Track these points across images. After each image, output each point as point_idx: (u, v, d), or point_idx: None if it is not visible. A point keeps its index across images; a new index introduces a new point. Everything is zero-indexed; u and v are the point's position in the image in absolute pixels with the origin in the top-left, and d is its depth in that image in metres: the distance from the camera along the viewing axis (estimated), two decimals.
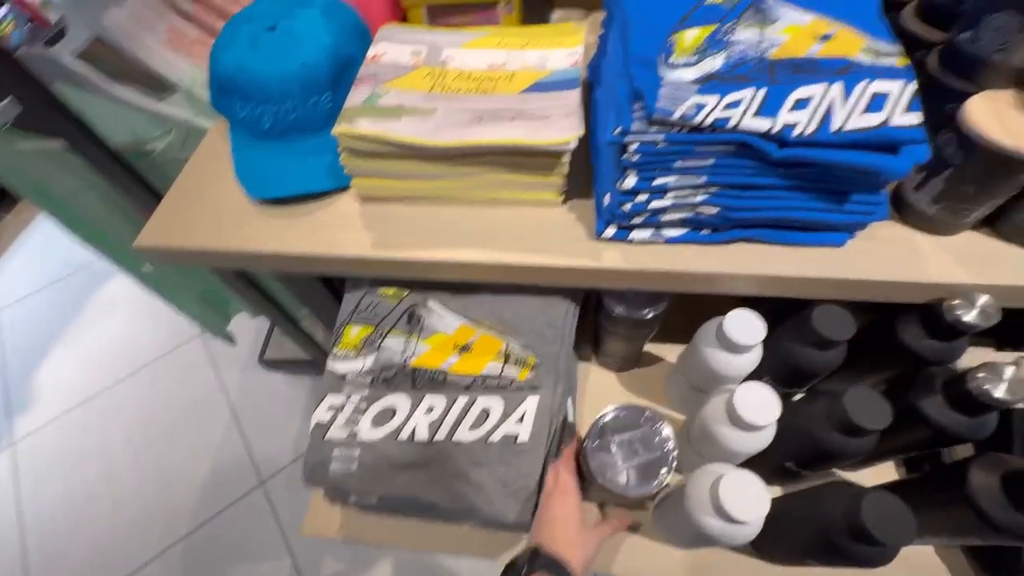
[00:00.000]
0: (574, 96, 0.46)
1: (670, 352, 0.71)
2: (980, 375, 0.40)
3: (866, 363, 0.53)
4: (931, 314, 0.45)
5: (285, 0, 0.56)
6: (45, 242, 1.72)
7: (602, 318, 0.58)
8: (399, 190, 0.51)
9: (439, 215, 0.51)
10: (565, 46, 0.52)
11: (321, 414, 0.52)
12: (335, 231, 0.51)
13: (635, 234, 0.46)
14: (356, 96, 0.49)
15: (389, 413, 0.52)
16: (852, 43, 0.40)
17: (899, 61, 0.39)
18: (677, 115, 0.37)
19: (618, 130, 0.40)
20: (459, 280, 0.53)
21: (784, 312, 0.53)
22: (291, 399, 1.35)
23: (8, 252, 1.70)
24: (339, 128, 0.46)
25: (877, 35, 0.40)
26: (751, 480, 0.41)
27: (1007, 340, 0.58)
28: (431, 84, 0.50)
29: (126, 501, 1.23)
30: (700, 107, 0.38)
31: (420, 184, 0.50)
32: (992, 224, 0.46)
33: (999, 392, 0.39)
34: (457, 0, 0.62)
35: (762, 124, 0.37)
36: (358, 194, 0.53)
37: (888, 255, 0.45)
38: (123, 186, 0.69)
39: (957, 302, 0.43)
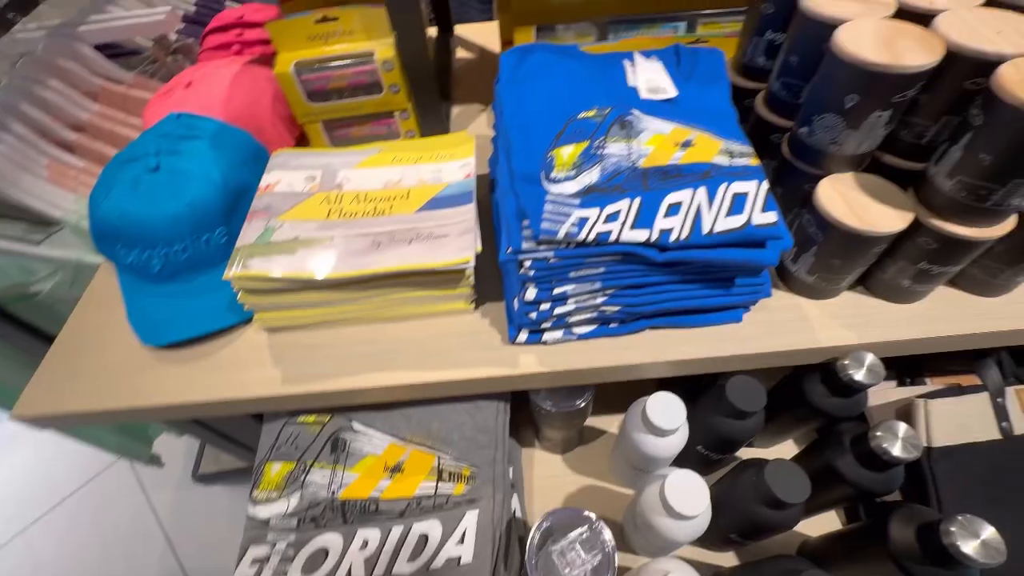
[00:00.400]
0: (469, 211, 0.48)
1: (612, 423, 0.72)
2: (878, 434, 0.43)
3: (786, 420, 0.56)
4: (828, 374, 0.48)
5: (169, 134, 0.54)
6: None
7: (534, 412, 0.58)
8: (305, 318, 0.49)
9: (350, 338, 0.50)
10: (458, 157, 0.53)
11: (244, 572, 0.47)
12: (241, 370, 0.49)
13: (547, 336, 0.47)
14: (249, 232, 0.47)
15: (321, 556, 0.48)
16: (710, 147, 0.43)
17: (751, 161, 0.42)
18: (561, 234, 0.39)
19: (509, 250, 0.41)
20: (381, 401, 0.51)
21: (706, 381, 0.55)
22: (234, 512, 1.23)
23: None
24: (231, 272, 0.44)
25: (731, 137, 0.44)
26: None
27: (905, 371, 0.63)
28: (328, 210, 0.49)
29: None
30: (583, 222, 0.40)
31: (327, 310, 0.49)
32: (865, 283, 0.50)
33: (896, 450, 0.42)
34: (352, 112, 0.63)
35: (640, 235, 0.39)
36: (262, 327, 0.51)
37: (782, 325, 0.48)
38: (3, 334, 0.63)
39: (848, 362, 0.46)
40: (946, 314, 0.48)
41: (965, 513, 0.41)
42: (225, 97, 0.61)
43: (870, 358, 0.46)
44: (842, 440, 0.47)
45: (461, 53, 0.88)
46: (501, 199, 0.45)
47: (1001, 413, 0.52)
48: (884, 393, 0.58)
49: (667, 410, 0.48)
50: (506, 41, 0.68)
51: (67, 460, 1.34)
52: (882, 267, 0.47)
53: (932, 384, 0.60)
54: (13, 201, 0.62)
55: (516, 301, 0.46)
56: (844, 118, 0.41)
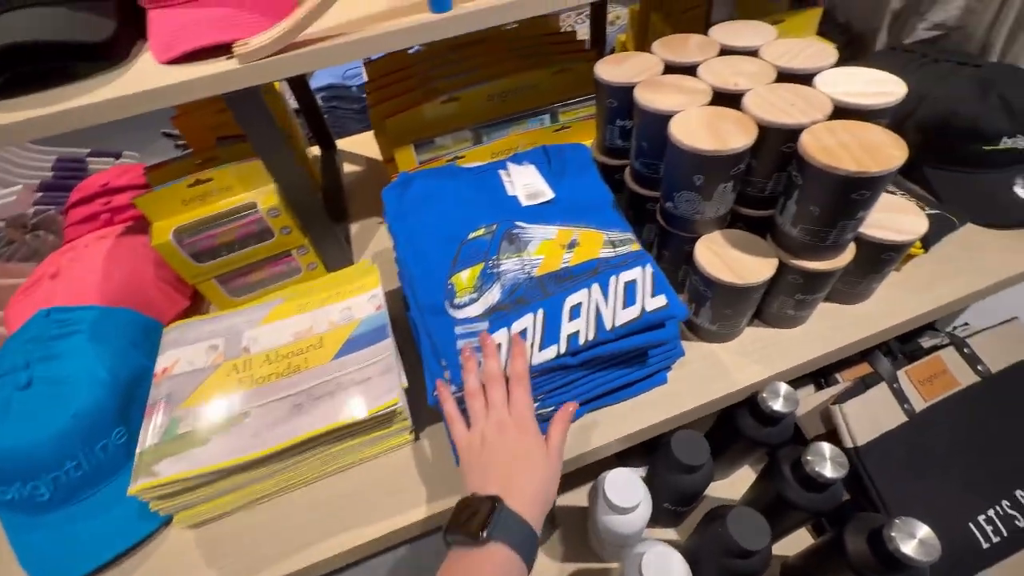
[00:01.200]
0: (387, 347, 0.47)
1: (581, 496, 0.72)
2: (809, 459, 0.47)
3: (732, 454, 0.59)
4: (754, 408, 0.52)
5: (39, 337, 0.50)
6: None
7: None
8: (234, 502, 0.46)
9: (291, 507, 0.47)
10: (366, 289, 0.53)
11: None
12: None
13: None
14: (151, 431, 0.44)
15: None
16: (594, 242, 0.47)
17: (633, 247, 0.47)
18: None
19: (435, 392, 0.41)
20: (345, 564, 0.48)
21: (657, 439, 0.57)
22: None
23: None
24: (137, 486, 0.40)
25: (610, 226, 0.49)
26: None
27: (819, 374, 0.70)
28: (237, 381, 0.47)
29: None
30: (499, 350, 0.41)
31: (258, 487, 0.45)
32: (760, 317, 0.55)
33: (828, 471, 0.46)
34: (246, 261, 0.61)
35: (549, 353, 0.41)
36: (183, 525, 0.46)
37: (702, 374, 0.52)
38: None
39: (766, 395, 0.51)
40: (832, 327, 0.54)
41: (904, 503, 0.45)
42: (100, 277, 0.58)
43: (784, 388, 0.50)
44: (783, 470, 0.50)
45: (349, 167, 0.89)
46: (417, 333, 0.45)
47: (900, 396, 0.58)
48: (806, 400, 0.64)
49: (625, 487, 0.49)
50: (388, 159, 0.70)
51: None
52: (768, 303, 0.52)
53: (844, 380, 0.67)
54: None
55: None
56: (698, 193, 0.46)
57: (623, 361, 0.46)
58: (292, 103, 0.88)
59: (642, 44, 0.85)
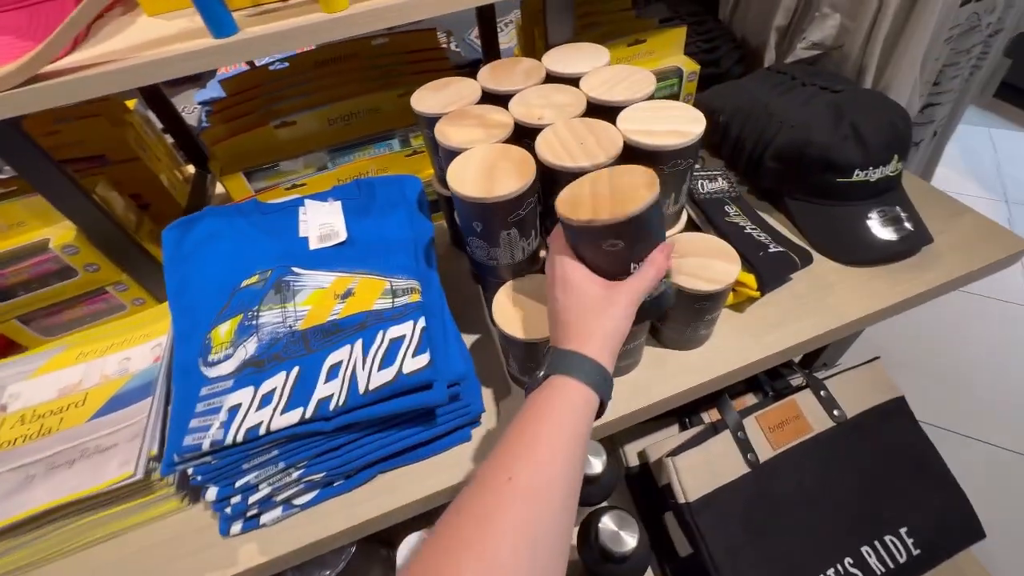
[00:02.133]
0: (143, 409, 0.43)
1: None
2: (601, 531, 0.43)
3: None
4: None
5: None
6: None
7: None
8: None
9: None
10: (152, 336, 0.49)
11: None
12: None
13: (265, 518, 0.43)
14: None
15: None
16: (372, 291, 0.43)
17: (413, 297, 0.43)
18: (206, 445, 0.36)
19: (175, 459, 0.37)
20: None
21: None
22: None
23: None
24: None
25: (398, 272, 0.45)
26: None
27: (685, 413, 0.66)
28: None
29: None
30: (232, 415, 0.37)
31: (6, 560, 0.41)
32: None
33: (620, 545, 0.42)
34: (52, 300, 0.57)
35: (292, 417, 0.37)
36: None
37: None
38: None
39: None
40: (661, 376, 0.50)
41: (736, 563, 0.41)
42: None
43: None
44: (587, 538, 0.47)
45: (222, 188, 0.85)
46: (172, 395, 0.41)
47: (744, 446, 0.55)
48: (665, 443, 0.60)
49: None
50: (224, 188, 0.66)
51: None
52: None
53: (710, 419, 0.64)
54: None
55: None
56: (483, 240, 0.42)
57: (403, 422, 0.42)
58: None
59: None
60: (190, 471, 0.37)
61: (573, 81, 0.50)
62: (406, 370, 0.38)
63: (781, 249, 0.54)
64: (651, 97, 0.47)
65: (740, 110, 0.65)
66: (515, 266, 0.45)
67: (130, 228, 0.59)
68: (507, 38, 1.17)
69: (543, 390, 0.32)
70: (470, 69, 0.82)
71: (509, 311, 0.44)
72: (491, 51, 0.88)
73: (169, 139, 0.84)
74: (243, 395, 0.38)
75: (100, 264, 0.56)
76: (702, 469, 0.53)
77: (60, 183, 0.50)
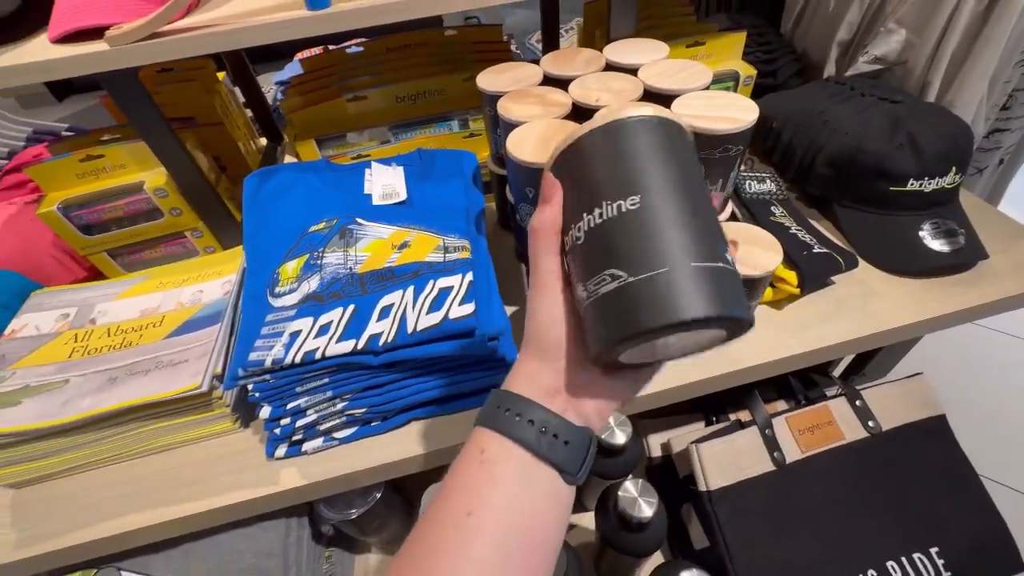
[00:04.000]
0: (212, 333, 0.47)
1: None
2: (620, 497, 0.44)
3: None
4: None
5: None
6: None
7: (317, 522, 0.55)
8: (47, 468, 0.46)
9: (105, 481, 0.47)
10: (223, 274, 0.54)
11: None
12: None
13: (307, 446, 0.46)
14: None
15: None
16: (426, 245, 0.46)
17: (463, 254, 0.46)
18: (268, 362, 0.39)
19: (228, 379, 0.41)
20: (150, 542, 0.48)
21: None
22: None
23: None
24: None
25: (451, 232, 0.48)
26: None
27: (711, 409, 0.66)
28: (71, 350, 0.48)
29: None
30: (293, 339, 0.40)
31: (69, 456, 0.46)
32: None
33: (640, 511, 0.43)
34: (136, 239, 0.63)
35: (345, 347, 0.40)
36: (5, 484, 0.47)
37: None
38: None
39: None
40: (688, 362, 0.51)
41: (754, 558, 0.41)
42: None
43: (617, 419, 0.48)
44: (607, 508, 0.47)
45: (289, 160, 0.91)
46: (240, 322, 0.45)
47: (771, 444, 0.54)
48: (688, 436, 0.60)
49: None
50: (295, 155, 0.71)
51: None
52: None
53: (735, 416, 0.63)
54: None
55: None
56: (534, 205, 0.45)
57: (442, 369, 0.44)
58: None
59: None
60: (250, 387, 0.41)
61: (631, 71, 0.52)
62: (452, 316, 0.40)
63: (825, 250, 0.54)
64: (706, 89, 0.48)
65: (794, 116, 0.66)
66: None
67: (211, 183, 0.65)
68: (567, 42, 1.21)
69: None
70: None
71: None
72: (551, 43, 0.92)
73: (248, 113, 0.92)
74: (303, 323, 0.41)
75: (183, 210, 0.62)
76: (726, 460, 0.53)
77: (161, 133, 0.56)
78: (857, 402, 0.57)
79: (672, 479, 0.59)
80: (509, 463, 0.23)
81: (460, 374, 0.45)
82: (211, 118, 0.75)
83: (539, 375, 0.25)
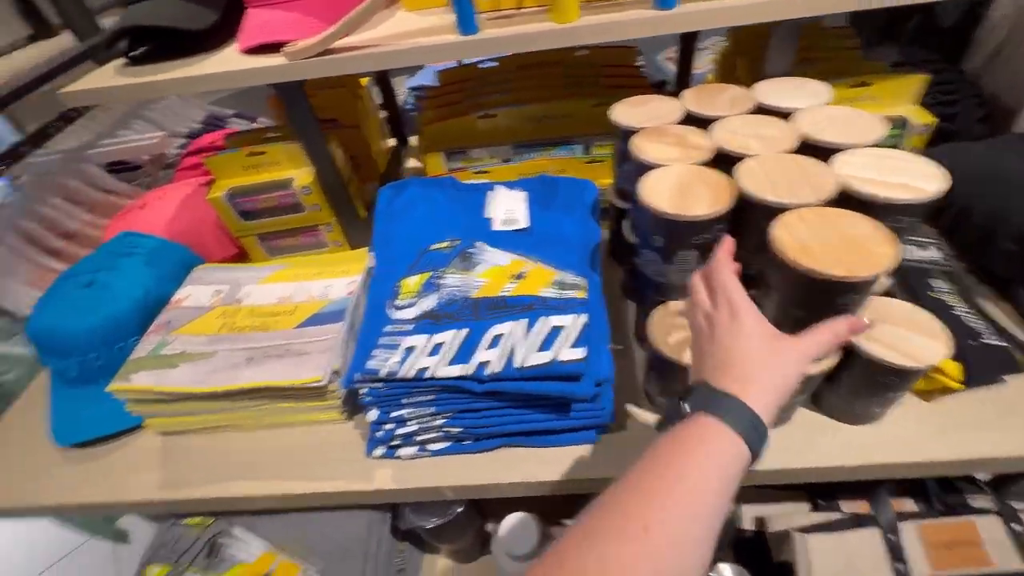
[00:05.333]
0: (336, 330, 0.51)
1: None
2: None
3: None
4: None
5: (112, 251, 0.63)
6: None
7: (404, 523, 0.57)
8: (189, 424, 0.53)
9: (233, 445, 0.53)
10: (348, 274, 0.58)
11: None
12: (126, 474, 0.53)
13: (402, 452, 0.48)
14: (144, 346, 0.53)
15: None
16: (542, 279, 0.46)
17: (579, 293, 0.45)
18: (383, 372, 0.42)
19: (346, 379, 0.44)
20: (256, 509, 0.53)
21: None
22: None
23: None
24: (112, 386, 0.49)
25: (568, 268, 0.47)
26: None
27: (819, 492, 0.59)
28: (221, 325, 0.55)
29: None
30: (408, 353, 0.42)
31: (208, 417, 0.53)
32: None
33: None
34: (281, 227, 0.70)
35: (454, 370, 0.41)
36: (152, 431, 0.55)
37: (639, 446, 0.48)
38: None
39: None
40: (810, 443, 0.46)
41: None
42: (171, 216, 0.71)
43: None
44: None
45: (414, 163, 0.97)
46: (362, 324, 0.49)
47: (895, 552, 0.47)
48: (789, 518, 0.55)
49: (520, 535, 0.48)
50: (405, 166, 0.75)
51: (40, 537, 1.39)
52: None
53: (847, 508, 0.56)
54: None
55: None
56: (658, 254, 0.43)
57: (539, 404, 0.44)
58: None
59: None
60: (363, 391, 0.44)
61: (783, 115, 0.48)
62: (562, 358, 0.40)
63: (1001, 343, 0.45)
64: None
65: (974, 175, 0.56)
66: (677, 289, 0.45)
67: (345, 182, 0.70)
68: (698, 63, 1.15)
69: (688, 428, 0.29)
70: (665, 89, 0.83)
71: (666, 330, 0.44)
72: (684, 73, 0.88)
73: (381, 115, 0.99)
74: (418, 340, 0.43)
75: (321, 206, 0.68)
76: (837, 560, 0.47)
77: (315, 136, 0.62)
78: (1014, 525, 0.48)
79: (764, 560, 0.54)
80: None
81: (556, 412, 0.45)
82: (352, 120, 0.82)
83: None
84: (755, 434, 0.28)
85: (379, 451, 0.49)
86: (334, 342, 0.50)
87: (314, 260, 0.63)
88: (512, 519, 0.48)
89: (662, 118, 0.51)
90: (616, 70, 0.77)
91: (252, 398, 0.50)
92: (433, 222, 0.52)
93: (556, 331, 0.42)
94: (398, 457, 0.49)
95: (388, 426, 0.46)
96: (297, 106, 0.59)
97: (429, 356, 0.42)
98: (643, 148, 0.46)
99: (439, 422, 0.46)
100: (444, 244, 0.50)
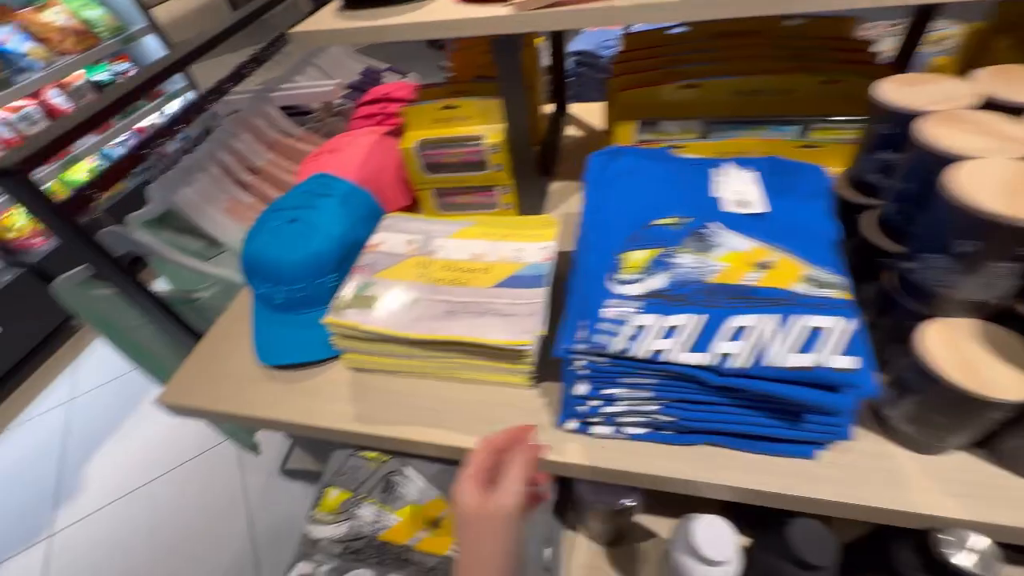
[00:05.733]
0: (539, 295, 0.50)
1: (664, 526, 0.67)
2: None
3: None
4: (922, 548, 0.41)
5: (309, 191, 0.66)
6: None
7: (577, 500, 0.57)
8: (382, 364, 0.55)
9: (420, 391, 0.55)
10: (540, 239, 0.57)
11: None
12: (323, 401, 0.56)
13: (596, 429, 0.47)
14: (350, 285, 0.55)
15: None
16: (791, 272, 0.41)
17: (839, 293, 0.40)
18: (613, 349, 0.40)
19: (564, 345, 0.42)
20: (434, 455, 0.55)
21: (773, 514, 0.49)
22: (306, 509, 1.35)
23: (88, 348, 1.93)
24: (328, 318, 0.52)
25: (820, 263, 0.42)
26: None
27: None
28: (418, 274, 0.56)
29: None
30: (639, 333, 0.40)
31: (400, 361, 0.54)
32: (986, 446, 0.42)
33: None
34: (459, 184, 0.70)
35: (696, 358, 0.38)
36: (347, 366, 0.58)
37: (867, 473, 0.43)
38: (165, 326, 0.79)
39: (946, 538, 0.39)
40: (986, 493, 0.39)
41: None
42: (359, 162, 0.73)
43: (981, 543, 0.38)
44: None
45: (571, 131, 0.93)
46: (569, 294, 0.47)
47: None
48: None
49: (716, 538, 0.45)
50: (610, 131, 0.71)
51: (193, 428, 1.59)
52: (1007, 435, 0.40)
53: None
54: (197, 225, 0.79)
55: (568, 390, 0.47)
56: (959, 262, 0.36)
57: (770, 408, 0.40)
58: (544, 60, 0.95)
59: (968, 72, 0.67)
60: (580, 362, 0.42)
61: None
62: (831, 364, 0.35)
63: None
64: None
65: None
66: (971, 306, 0.38)
67: (529, 145, 0.68)
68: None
69: None
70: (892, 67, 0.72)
71: (946, 350, 0.37)
72: (907, 53, 0.76)
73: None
74: (649, 319, 0.41)
75: (504, 166, 0.67)
76: None
77: (517, 93, 0.60)
78: None
79: None
80: None
81: (788, 420, 0.41)
82: (527, 82, 0.80)
83: None
84: None
85: (572, 424, 0.47)
86: (538, 307, 0.49)
87: (500, 221, 0.62)
88: (706, 520, 0.45)
89: (951, 101, 0.43)
90: (841, 43, 0.67)
91: (449, 350, 0.51)
92: (652, 195, 0.49)
93: (816, 333, 0.37)
94: (591, 434, 0.47)
95: (594, 402, 0.44)
96: (510, 60, 0.57)
97: (663, 339, 0.39)
98: (939, 134, 0.39)
99: (651, 408, 0.43)
100: (671, 220, 0.46)
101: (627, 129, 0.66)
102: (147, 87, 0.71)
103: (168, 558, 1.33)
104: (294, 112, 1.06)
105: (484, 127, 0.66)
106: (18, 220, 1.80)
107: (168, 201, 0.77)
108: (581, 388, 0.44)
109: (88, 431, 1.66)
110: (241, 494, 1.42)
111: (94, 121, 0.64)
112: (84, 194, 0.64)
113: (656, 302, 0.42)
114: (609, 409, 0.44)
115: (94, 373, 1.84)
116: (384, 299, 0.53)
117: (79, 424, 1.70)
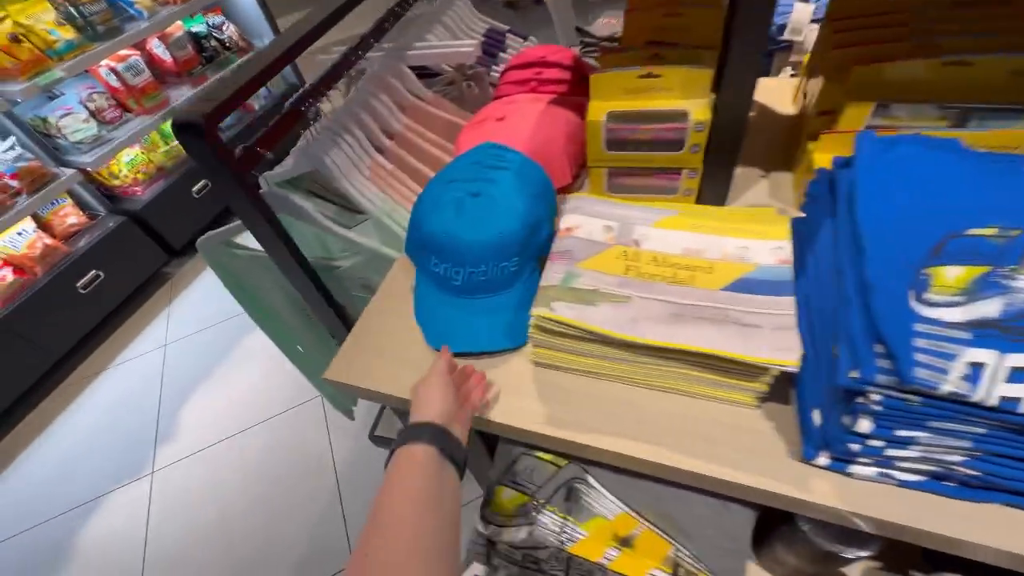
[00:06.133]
0: (787, 305, 0.43)
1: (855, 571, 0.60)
2: None
3: None
4: None
5: (481, 163, 0.60)
6: (210, 289, 2.00)
7: (789, 534, 0.50)
8: (577, 364, 0.50)
9: (611, 394, 0.49)
10: (768, 237, 0.49)
11: None
12: (508, 395, 0.51)
13: (856, 469, 0.40)
14: (552, 274, 0.50)
15: None
16: None
17: None
18: (946, 390, 0.32)
19: (854, 374, 0.35)
20: (625, 466, 0.50)
21: None
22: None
23: (181, 295, 2.00)
24: (537, 311, 0.46)
25: None
26: None
27: None
28: (625, 267, 0.49)
29: (234, 551, 1.30)
30: (978, 372, 0.32)
31: (602, 363, 0.49)
32: None
33: None
34: (641, 164, 0.63)
35: None
36: (533, 360, 0.53)
37: None
38: (304, 290, 0.76)
39: None
40: None
41: None
42: (529, 133, 0.67)
43: None
44: None
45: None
46: (838, 306, 0.40)
47: None
48: None
49: None
50: (822, 111, 0.61)
51: (283, 383, 1.62)
52: None
53: None
54: (340, 189, 0.76)
55: (824, 419, 0.40)
56: None
57: None
58: None
59: None
60: (874, 397, 0.35)
61: None
62: None
63: None
64: None
65: None
66: None
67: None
68: None
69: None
70: None
71: None
72: None
73: None
74: (986, 355, 0.33)
75: (701, 147, 0.59)
76: None
77: (752, 60, 0.51)
78: None
79: None
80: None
81: None
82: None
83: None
84: (435, 436, 0.40)
85: (823, 459, 0.41)
86: (790, 320, 0.42)
87: (706, 212, 0.54)
88: None
89: None
90: None
91: (674, 358, 0.45)
92: (956, 196, 0.40)
93: None
94: (848, 474, 0.41)
95: (876, 442, 0.37)
96: (758, 15, 0.48)
97: (1010, 383, 0.32)
98: None
99: (954, 458, 0.36)
100: (990, 231, 0.38)
101: (860, 112, 0.56)
102: (313, 36, 0.67)
103: (260, 507, 1.38)
104: (423, 74, 1.00)
105: (687, 101, 0.57)
106: (123, 168, 1.85)
107: (316, 161, 0.73)
108: (864, 425, 0.37)
109: (183, 376, 1.74)
110: (329, 454, 1.45)
111: (268, 73, 0.60)
112: (251, 151, 0.61)
113: (989, 333, 0.34)
114: (897, 452, 0.37)
115: (188, 320, 1.92)
116: (594, 293, 0.47)
117: (174, 368, 1.78)
